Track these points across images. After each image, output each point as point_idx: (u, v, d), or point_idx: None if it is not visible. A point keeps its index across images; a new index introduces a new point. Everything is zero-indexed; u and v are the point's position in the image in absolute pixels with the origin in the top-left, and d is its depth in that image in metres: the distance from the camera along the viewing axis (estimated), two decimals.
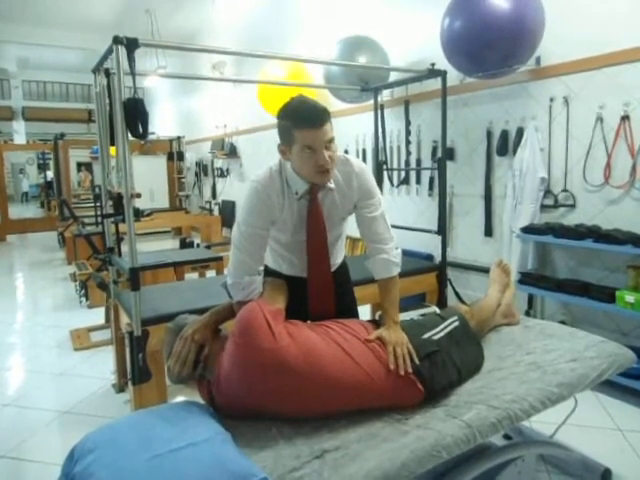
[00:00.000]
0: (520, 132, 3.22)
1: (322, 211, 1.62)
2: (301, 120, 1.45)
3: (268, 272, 1.71)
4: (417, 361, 1.49)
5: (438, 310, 3.27)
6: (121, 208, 2.52)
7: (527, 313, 3.15)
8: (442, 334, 1.64)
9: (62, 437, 2.40)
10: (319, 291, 1.70)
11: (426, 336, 1.61)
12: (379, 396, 1.46)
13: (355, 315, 1.87)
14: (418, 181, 4.15)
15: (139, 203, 2.82)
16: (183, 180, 9.43)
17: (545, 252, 3.15)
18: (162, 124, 10.94)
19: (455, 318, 1.73)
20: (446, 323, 1.69)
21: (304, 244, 1.67)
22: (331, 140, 1.49)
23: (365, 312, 2.53)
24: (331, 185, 1.59)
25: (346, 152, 4.55)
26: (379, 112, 3.99)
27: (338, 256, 1.83)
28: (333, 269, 1.77)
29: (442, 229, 3.41)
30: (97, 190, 4.21)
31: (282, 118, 1.50)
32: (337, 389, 1.41)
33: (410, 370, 1.46)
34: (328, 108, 1.52)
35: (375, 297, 1.79)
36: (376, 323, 1.67)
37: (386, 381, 1.45)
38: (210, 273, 4.23)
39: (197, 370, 1.53)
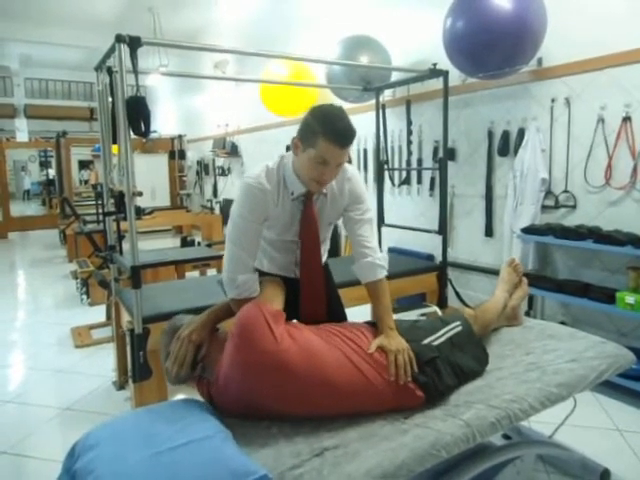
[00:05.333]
0: (521, 133, 3.23)
1: (316, 214, 1.65)
2: (333, 133, 1.46)
3: None
4: (416, 369, 1.48)
5: (439, 310, 3.28)
6: (123, 206, 2.52)
7: (527, 313, 3.15)
8: (442, 339, 1.62)
9: (63, 434, 2.41)
10: (311, 292, 1.71)
11: (426, 341, 1.59)
12: (380, 401, 1.45)
13: (342, 314, 1.90)
14: (419, 181, 4.15)
15: (140, 201, 2.84)
16: (184, 179, 9.44)
17: (546, 253, 3.15)
18: (164, 122, 10.92)
19: (458, 323, 1.71)
20: (447, 328, 1.67)
21: (290, 244, 1.70)
22: (343, 162, 1.55)
23: (364, 312, 2.53)
24: (324, 190, 1.64)
25: None
26: (381, 112, 3.99)
27: (322, 258, 1.85)
28: None
29: (443, 229, 3.41)
30: (99, 188, 4.22)
31: (313, 118, 1.50)
32: (338, 393, 1.41)
33: (410, 379, 1.46)
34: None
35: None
36: (374, 325, 1.65)
37: (387, 387, 1.45)
38: (211, 272, 4.23)
39: (196, 371, 1.52)
